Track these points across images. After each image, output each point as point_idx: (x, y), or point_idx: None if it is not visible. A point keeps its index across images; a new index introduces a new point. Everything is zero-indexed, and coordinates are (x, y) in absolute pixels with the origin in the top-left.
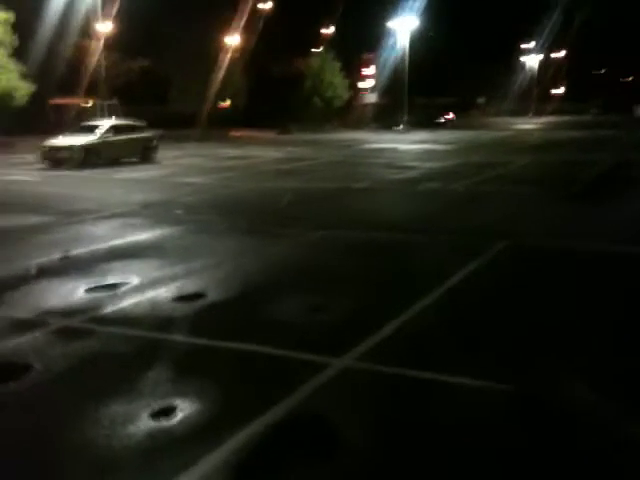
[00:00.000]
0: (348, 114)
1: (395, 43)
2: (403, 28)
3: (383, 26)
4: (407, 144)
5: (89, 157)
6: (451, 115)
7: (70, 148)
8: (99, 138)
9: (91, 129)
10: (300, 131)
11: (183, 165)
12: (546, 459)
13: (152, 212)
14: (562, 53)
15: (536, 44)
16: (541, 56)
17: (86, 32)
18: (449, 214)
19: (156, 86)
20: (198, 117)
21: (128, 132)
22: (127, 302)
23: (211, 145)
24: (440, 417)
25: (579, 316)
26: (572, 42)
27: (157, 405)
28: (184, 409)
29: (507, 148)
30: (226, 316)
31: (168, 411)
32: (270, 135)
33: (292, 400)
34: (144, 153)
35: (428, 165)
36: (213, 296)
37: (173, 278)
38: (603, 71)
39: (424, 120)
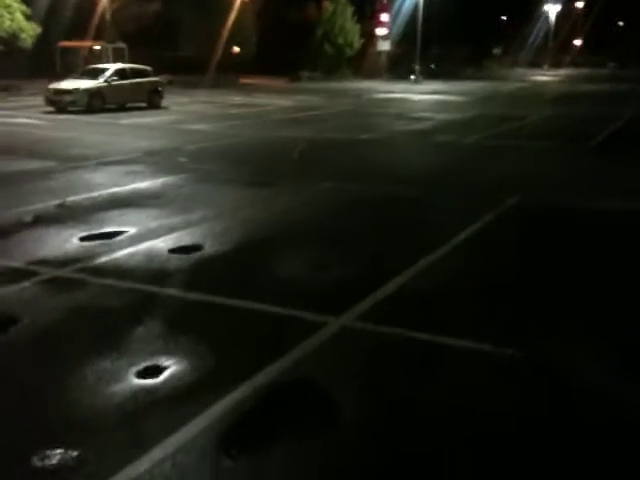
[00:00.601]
0: (361, 62)
1: None
2: None
3: None
4: (420, 94)
5: (94, 101)
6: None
7: (74, 92)
8: (104, 82)
9: (97, 73)
10: (311, 79)
11: (190, 112)
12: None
13: (155, 159)
14: (581, 4)
15: None
16: (559, 6)
17: None
18: (460, 168)
19: (167, 30)
20: (209, 63)
21: (134, 76)
22: (122, 253)
23: (221, 92)
24: (439, 385)
25: (587, 280)
26: None
27: (144, 363)
28: (172, 369)
29: (523, 101)
30: (223, 271)
31: (155, 370)
32: (281, 83)
33: (284, 362)
34: (150, 98)
35: (441, 117)
36: (211, 249)
37: (171, 229)
38: (622, 24)
39: (439, 71)
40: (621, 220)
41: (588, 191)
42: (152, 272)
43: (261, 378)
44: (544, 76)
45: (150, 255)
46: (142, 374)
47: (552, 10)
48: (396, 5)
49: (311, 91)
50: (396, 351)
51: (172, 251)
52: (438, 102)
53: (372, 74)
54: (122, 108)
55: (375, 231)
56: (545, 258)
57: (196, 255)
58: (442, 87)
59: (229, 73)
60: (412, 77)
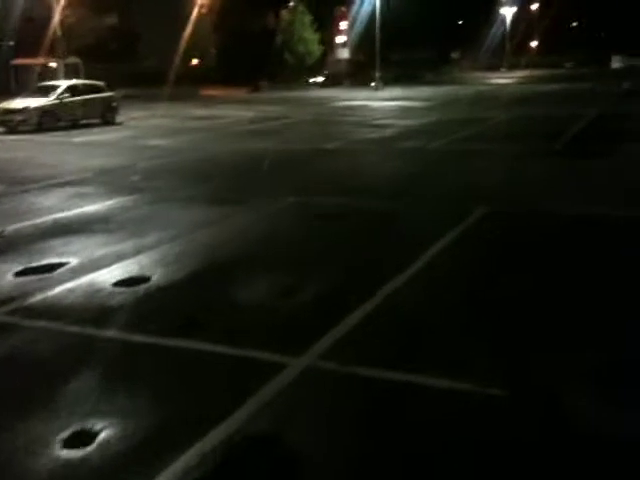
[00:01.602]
0: (321, 70)
1: None
2: None
3: None
4: (382, 101)
5: (45, 120)
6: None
7: (24, 111)
8: (56, 99)
9: (48, 90)
10: (272, 89)
11: (148, 126)
12: None
13: (107, 179)
14: (536, 6)
15: None
16: (514, 9)
17: None
18: (426, 176)
19: (125, 43)
20: (168, 75)
21: (87, 93)
22: (61, 288)
23: (180, 104)
24: (412, 435)
25: (565, 294)
26: None
27: (73, 428)
28: (106, 433)
29: (484, 103)
30: (172, 305)
31: (86, 437)
32: (242, 93)
33: (238, 417)
34: (104, 114)
35: (404, 123)
36: (161, 280)
37: (118, 257)
38: (576, 24)
39: (400, 76)
40: (593, 227)
41: (559, 196)
42: (93, 311)
43: (211, 439)
44: (503, 78)
45: (91, 290)
46: (69, 442)
47: (508, 13)
48: (354, 13)
49: (272, 101)
50: (364, 396)
51: (117, 284)
52: (400, 108)
53: (333, 82)
54: (75, 125)
55: (340, 251)
56: (520, 276)
57: (143, 288)
58: (403, 93)
59: (189, 85)
60: (373, 84)
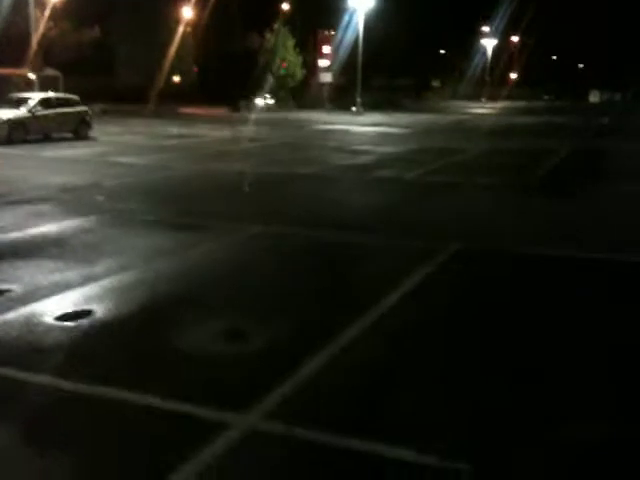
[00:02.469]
0: (303, 93)
1: (351, 22)
2: (359, 7)
3: (340, 3)
4: (361, 126)
5: (15, 132)
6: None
7: None
8: (28, 112)
9: (20, 102)
10: (253, 109)
11: (121, 143)
12: None
13: (69, 197)
14: (516, 38)
15: (491, 28)
16: (496, 41)
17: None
18: (400, 209)
19: (105, 59)
20: (149, 92)
21: (60, 106)
22: None
23: (158, 121)
24: None
25: (539, 344)
26: (526, 28)
27: None
28: None
29: (463, 133)
30: (114, 346)
31: None
32: (221, 113)
33: None
34: (77, 129)
35: (381, 150)
36: (105, 314)
37: (65, 286)
38: (555, 58)
39: (381, 102)
40: (570, 271)
41: (535, 234)
42: (26, 349)
43: None
44: (482, 108)
45: (29, 324)
46: None
47: (489, 44)
48: (338, 37)
49: (252, 122)
50: (311, 467)
51: (58, 318)
52: (378, 134)
53: (314, 105)
54: (47, 139)
55: (303, 289)
56: (494, 327)
57: (85, 323)
58: (383, 119)
59: (168, 102)
60: (353, 108)
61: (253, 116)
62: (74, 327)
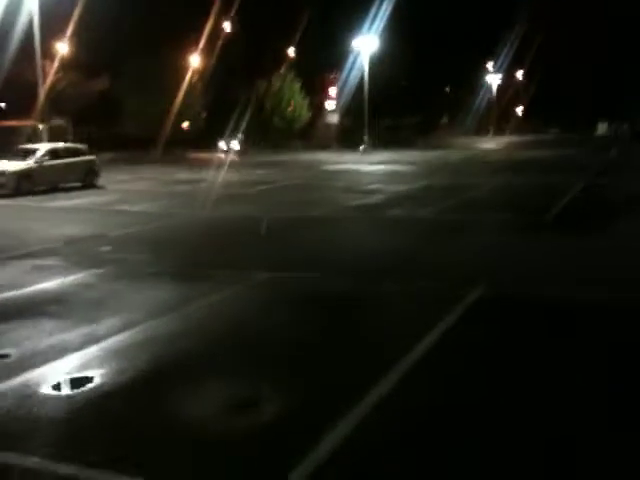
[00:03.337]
0: (311, 134)
1: (355, 63)
2: (364, 49)
3: (345, 46)
4: (370, 165)
5: (23, 183)
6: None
7: (2, 175)
8: (35, 163)
9: (27, 153)
10: (261, 153)
11: (129, 190)
12: None
13: (73, 250)
14: (520, 73)
15: (495, 64)
16: (500, 75)
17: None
18: (413, 252)
19: (113, 108)
20: (156, 139)
21: (67, 156)
22: None
23: (166, 168)
24: None
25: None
26: (530, 62)
27: None
28: None
29: (472, 169)
30: (111, 421)
31: None
32: (230, 157)
33: None
34: (85, 178)
35: (391, 188)
36: (105, 383)
37: (63, 349)
38: (560, 90)
39: (389, 141)
40: (599, 316)
41: (560, 277)
42: (18, 426)
43: None
44: (490, 143)
45: (22, 396)
46: None
47: (494, 80)
48: (343, 79)
49: (260, 164)
50: None
51: (53, 387)
52: (387, 173)
53: (322, 145)
54: (55, 189)
55: (315, 347)
56: (526, 387)
57: (83, 394)
58: (391, 157)
59: (177, 148)
60: (361, 148)
61: (261, 159)
62: (71, 398)
